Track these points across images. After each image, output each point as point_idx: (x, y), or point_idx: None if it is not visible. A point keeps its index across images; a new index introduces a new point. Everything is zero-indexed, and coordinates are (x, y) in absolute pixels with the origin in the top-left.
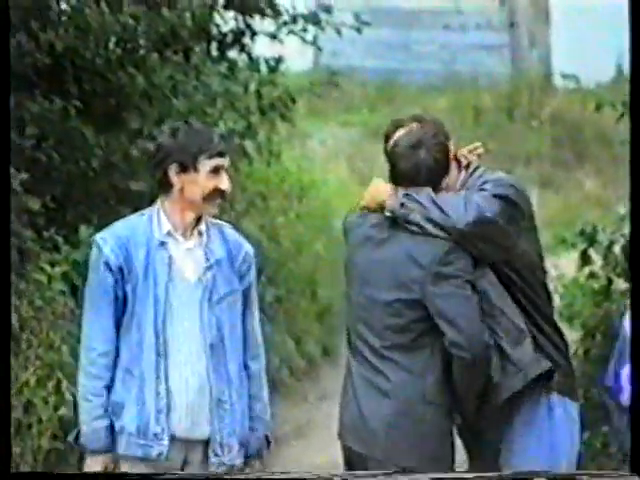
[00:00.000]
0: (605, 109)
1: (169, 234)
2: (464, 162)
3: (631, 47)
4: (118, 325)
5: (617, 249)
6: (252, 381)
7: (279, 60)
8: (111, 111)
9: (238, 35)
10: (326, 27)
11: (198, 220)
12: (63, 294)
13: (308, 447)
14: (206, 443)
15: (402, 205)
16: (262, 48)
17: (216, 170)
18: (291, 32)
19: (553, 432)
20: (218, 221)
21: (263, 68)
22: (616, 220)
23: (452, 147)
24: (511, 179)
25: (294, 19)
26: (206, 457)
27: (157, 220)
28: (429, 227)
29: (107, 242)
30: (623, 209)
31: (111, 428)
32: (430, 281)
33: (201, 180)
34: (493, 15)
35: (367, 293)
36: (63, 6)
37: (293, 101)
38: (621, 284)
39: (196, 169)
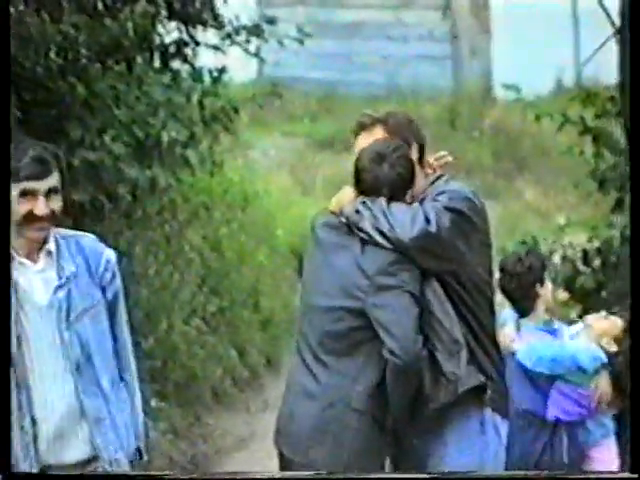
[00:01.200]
0: (544, 120)
1: (15, 259)
2: (429, 171)
3: (631, 50)
4: None
5: (557, 258)
6: (129, 392)
7: (222, 71)
8: (52, 121)
9: (181, 45)
10: (269, 38)
11: (46, 240)
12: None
13: (250, 458)
14: (86, 464)
15: (357, 212)
16: (205, 59)
17: (26, 194)
18: (234, 43)
19: (484, 448)
20: (75, 232)
21: (206, 78)
22: (555, 230)
23: (415, 151)
24: (469, 192)
25: (237, 31)
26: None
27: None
28: (377, 236)
29: None
30: (562, 219)
31: None
32: (372, 291)
33: (13, 205)
34: (435, 27)
35: (313, 297)
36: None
37: (236, 111)
38: (560, 294)
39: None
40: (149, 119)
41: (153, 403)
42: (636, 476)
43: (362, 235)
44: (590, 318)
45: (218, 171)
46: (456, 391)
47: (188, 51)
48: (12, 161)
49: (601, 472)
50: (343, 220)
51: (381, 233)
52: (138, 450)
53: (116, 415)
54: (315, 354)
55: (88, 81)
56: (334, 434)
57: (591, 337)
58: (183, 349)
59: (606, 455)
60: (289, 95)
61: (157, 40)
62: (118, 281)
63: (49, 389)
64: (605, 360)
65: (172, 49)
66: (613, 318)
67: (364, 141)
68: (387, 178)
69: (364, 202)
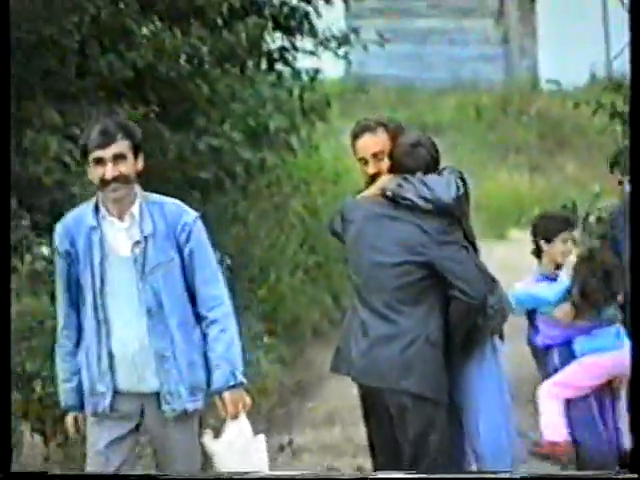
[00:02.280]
0: (581, 107)
1: (104, 218)
2: None
3: (631, 48)
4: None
5: (592, 219)
6: (211, 328)
7: (317, 71)
8: (183, 114)
9: (283, 51)
10: (355, 44)
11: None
12: None
13: (342, 382)
14: (157, 394)
15: (399, 185)
16: (303, 61)
17: (98, 161)
18: (327, 49)
19: (499, 369)
20: (161, 198)
21: (304, 77)
22: (591, 197)
23: None
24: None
25: (329, 39)
26: (159, 406)
27: (94, 207)
28: (420, 202)
29: (56, 231)
30: (597, 187)
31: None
32: (436, 247)
33: (91, 172)
34: (490, 32)
35: (375, 257)
36: (144, 31)
37: (328, 104)
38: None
39: (89, 163)
40: (259, 111)
41: (265, 339)
42: (636, 476)
43: (407, 203)
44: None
45: (315, 153)
46: (504, 319)
47: (289, 56)
48: (83, 136)
49: (601, 472)
50: (389, 194)
51: (424, 198)
52: (232, 374)
53: (180, 354)
54: (388, 304)
55: (210, 82)
56: (418, 365)
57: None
58: (289, 296)
59: (599, 360)
60: (372, 90)
61: (264, 47)
62: (196, 240)
63: (125, 329)
64: (563, 287)
65: (276, 54)
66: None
67: (367, 140)
68: (425, 159)
69: (404, 177)
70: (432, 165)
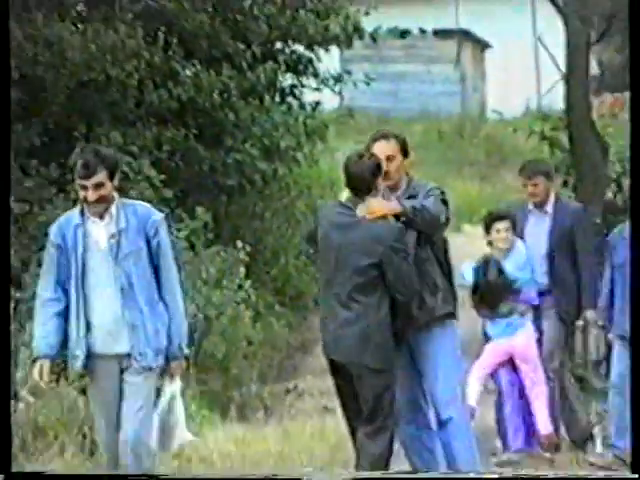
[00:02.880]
0: (518, 132)
1: (88, 218)
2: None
3: (630, 51)
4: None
5: None
6: (169, 308)
7: (317, 103)
8: (214, 136)
9: (292, 88)
10: (347, 83)
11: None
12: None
13: None
14: (129, 354)
15: (412, 207)
16: (307, 95)
17: (82, 187)
18: (326, 86)
19: (453, 342)
20: (134, 202)
21: (308, 108)
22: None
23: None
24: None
25: (327, 79)
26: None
27: (80, 210)
28: (421, 222)
29: (52, 228)
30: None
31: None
32: (387, 253)
33: (78, 191)
34: (449, 75)
35: (343, 258)
36: (187, 72)
37: (326, 128)
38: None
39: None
40: (272, 133)
41: (276, 308)
42: (636, 476)
43: (405, 220)
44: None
45: (315, 165)
46: (432, 315)
47: (297, 91)
48: (71, 160)
49: (601, 473)
50: (403, 219)
51: (424, 219)
52: (179, 346)
53: (147, 324)
54: (350, 295)
55: (236, 111)
56: (372, 344)
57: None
58: (295, 275)
59: (495, 344)
60: (359, 117)
61: (278, 85)
62: (163, 234)
63: (103, 303)
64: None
65: (287, 90)
66: None
67: (382, 145)
68: (368, 166)
69: (406, 198)
70: (375, 171)
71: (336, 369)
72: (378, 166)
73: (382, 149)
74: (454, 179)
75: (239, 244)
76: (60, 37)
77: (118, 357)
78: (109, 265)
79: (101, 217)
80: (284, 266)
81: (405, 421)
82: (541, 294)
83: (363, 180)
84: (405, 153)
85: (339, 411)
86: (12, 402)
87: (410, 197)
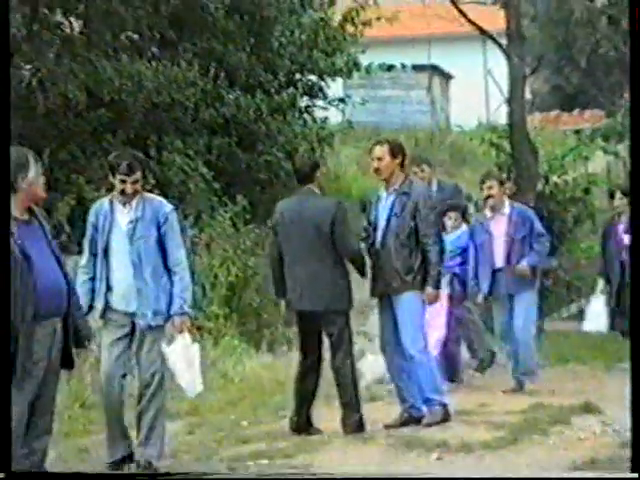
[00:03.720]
0: (474, 140)
1: (116, 206)
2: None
3: (631, 53)
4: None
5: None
6: (174, 276)
7: (325, 118)
8: (250, 142)
9: (308, 107)
10: (348, 103)
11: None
12: (231, 225)
13: None
14: (135, 313)
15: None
16: (318, 112)
17: (122, 181)
18: (332, 105)
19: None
20: (152, 196)
21: (319, 122)
22: (478, 192)
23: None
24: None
25: (334, 100)
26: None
27: (109, 200)
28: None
29: (90, 211)
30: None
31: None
32: (331, 221)
33: (116, 183)
34: (423, 98)
35: (303, 230)
36: (230, 96)
37: (332, 136)
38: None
39: (115, 177)
40: (293, 141)
41: None
42: (636, 476)
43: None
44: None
45: (325, 164)
46: (408, 286)
47: (311, 109)
48: (112, 160)
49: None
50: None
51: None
52: (181, 307)
53: (150, 290)
54: (312, 256)
55: (266, 124)
56: (336, 291)
57: None
58: None
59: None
60: (356, 128)
61: (297, 105)
62: (169, 225)
63: (121, 273)
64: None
65: (303, 109)
66: None
67: (376, 149)
68: (305, 161)
69: (401, 193)
70: (313, 166)
71: (303, 317)
72: (315, 163)
73: (375, 152)
74: None
75: (269, 223)
76: (138, 71)
77: (128, 314)
78: (126, 244)
79: (124, 206)
80: None
81: (392, 352)
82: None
83: (304, 172)
84: (394, 155)
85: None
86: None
87: (404, 194)
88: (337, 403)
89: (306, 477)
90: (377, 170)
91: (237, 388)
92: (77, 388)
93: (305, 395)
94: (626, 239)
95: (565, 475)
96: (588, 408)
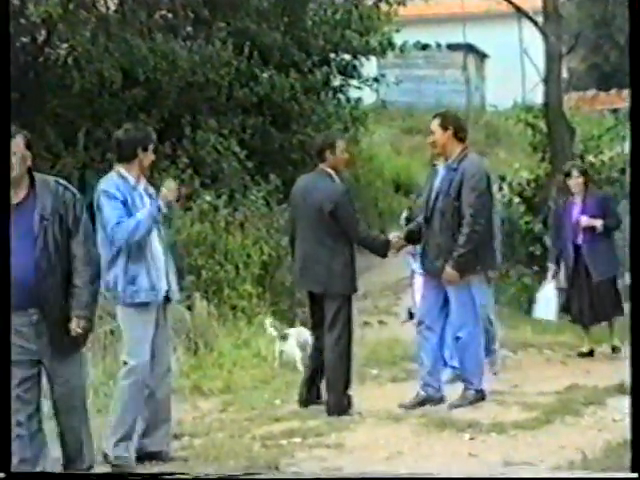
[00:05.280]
0: (509, 120)
1: (130, 181)
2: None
3: (630, 51)
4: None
5: (515, 184)
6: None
7: (360, 98)
8: (283, 122)
9: (342, 87)
10: (382, 83)
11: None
12: (265, 204)
13: None
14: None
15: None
16: (352, 92)
17: (154, 150)
18: (366, 85)
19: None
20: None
21: (352, 101)
22: (514, 170)
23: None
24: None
25: (368, 79)
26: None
27: (120, 175)
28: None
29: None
30: (517, 165)
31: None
32: (340, 205)
33: (147, 156)
34: (458, 77)
35: (307, 213)
36: (264, 75)
37: (366, 116)
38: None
39: (146, 150)
40: (327, 120)
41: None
42: (636, 476)
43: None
44: None
45: (358, 144)
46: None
47: (345, 89)
48: (143, 136)
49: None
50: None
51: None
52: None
53: (160, 270)
54: (309, 241)
55: (300, 104)
56: (337, 274)
57: None
58: None
59: None
60: (390, 109)
61: (331, 84)
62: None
63: (158, 255)
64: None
65: (337, 88)
66: None
67: (432, 124)
68: (317, 143)
69: (453, 169)
70: (325, 146)
71: (310, 296)
72: (327, 143)
73: (431, 126)
74: None
75: None
76: (173, 50)
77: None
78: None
79: (137, 180)
80: None
81: (432, 330)
82: None
83: (316, 152)
84: (445, 127)
85: (375, 324)
86: None
87: (453, 169)
88: (369, 383)
89: (308, 478)
90: (432, 144)
91: (270, 367)
92: (111, 365)
93: (316, 371)
94: (584, 221)
95: (565, 475)
96: (622, 389)
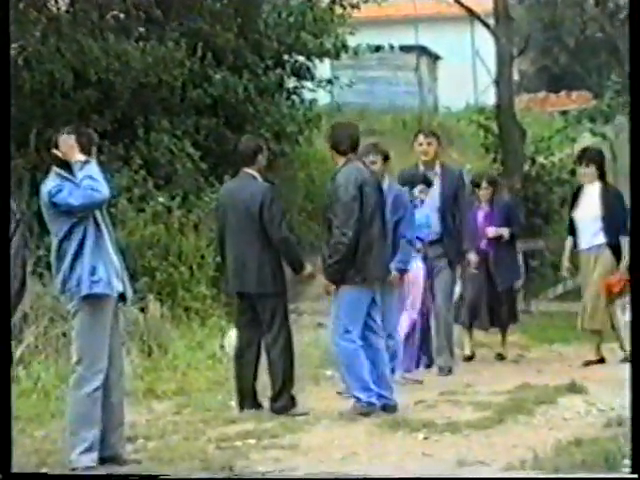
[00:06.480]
0: (461, 122)
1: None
2: None
3: (630, 50)
4: None
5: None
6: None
7: (313, 100)
8: (237, 123)
9: (296, 89)
10: (336, 85)
11: None
12: None
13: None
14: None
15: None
16: (306, 94)
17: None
18: (320, 87)
19: None
20: None
21: (306, 103)
22: (467, 171)
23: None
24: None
25: (322, 81)
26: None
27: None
28: None
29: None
30: (469, 165)
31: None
32: (259, 206)
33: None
34: (411, 79)
35: (237, 216)
36: (217, 76)
37: (320, 117)
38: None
39: None
40: (281, 122)
41: None
42: (636, 476)
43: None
44: None
45: (312, 146)
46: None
47: (299, 91)
48: (89, 132)
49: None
50: None
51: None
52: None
53: (116, 269)
54: (240, 243)
55: (254, 105)
56: (269, 276)
57: None
58: (296, 226)
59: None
60: (344, 110)
61: (285, 86)
62: None
63: (111, 255)
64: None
65: (291, 90)
66: None
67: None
68: (247, 153)
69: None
70: (256, 149)
71: (239, 296)
72: (258, 146)
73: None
74: (414, 156)
75: None
76: (125, 51)
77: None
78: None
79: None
80: (289, 220)
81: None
82: (432, 243)
83: (246, 155)
84: (329, 143)
85: (330, 326)
86: None
87: (332, 181)
88: (323, 384)
89: (306, 477)
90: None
91: (224, 368)
92: (65, 368)
93: (244, 371)
94: (490, 231)
95: (565, 475)
96: (573, 388)
